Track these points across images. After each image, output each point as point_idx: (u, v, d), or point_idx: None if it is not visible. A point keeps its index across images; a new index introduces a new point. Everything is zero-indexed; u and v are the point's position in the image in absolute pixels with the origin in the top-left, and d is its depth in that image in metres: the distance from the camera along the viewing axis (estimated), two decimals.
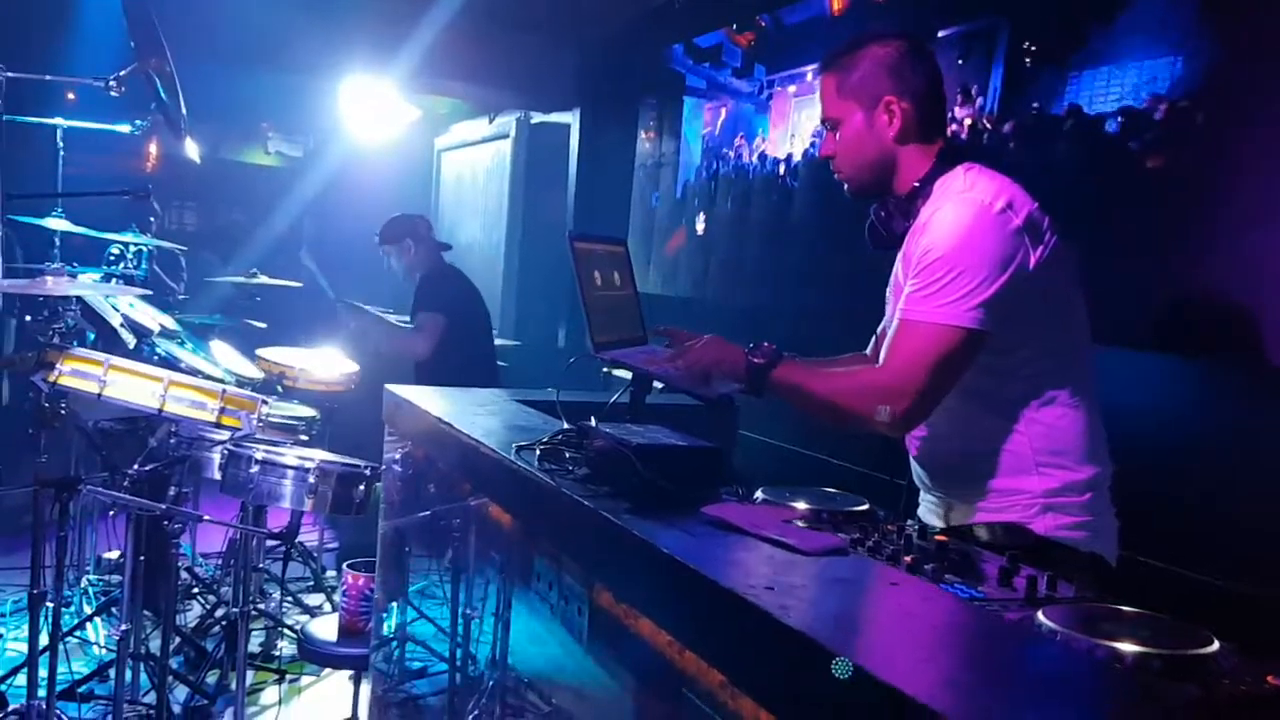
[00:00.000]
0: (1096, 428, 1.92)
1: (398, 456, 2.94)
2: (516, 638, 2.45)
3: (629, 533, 1.35)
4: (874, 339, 2.27)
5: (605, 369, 4.74)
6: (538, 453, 1.83)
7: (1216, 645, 1.14)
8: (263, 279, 5.29)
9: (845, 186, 2.07)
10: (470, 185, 8.28)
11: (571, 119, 6.66)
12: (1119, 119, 3.00)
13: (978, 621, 1.20)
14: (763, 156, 5.61)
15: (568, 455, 1.78)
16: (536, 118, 7.31)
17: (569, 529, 1.60)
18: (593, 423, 1.78)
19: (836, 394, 1.88)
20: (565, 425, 1.95)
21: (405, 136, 8.04)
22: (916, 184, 1.96)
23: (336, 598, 4.56)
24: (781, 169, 5.45)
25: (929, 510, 2.09)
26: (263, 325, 5.05)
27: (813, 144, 5.21)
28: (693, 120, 6.28)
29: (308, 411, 4.36)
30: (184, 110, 3.45)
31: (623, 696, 1.45)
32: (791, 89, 5.44)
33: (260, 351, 4.62)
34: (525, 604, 2.18)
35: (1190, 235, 2.73)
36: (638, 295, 2.51)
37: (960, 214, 1.82)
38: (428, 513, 2.78)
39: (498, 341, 5.41)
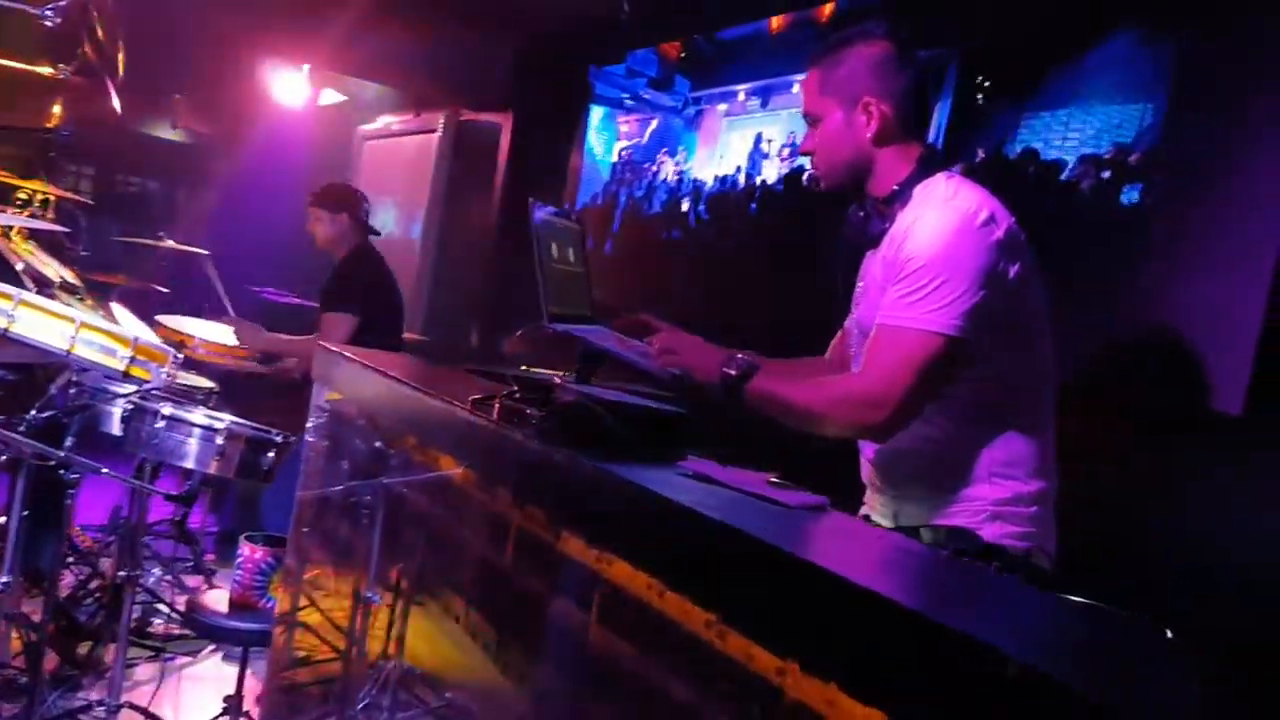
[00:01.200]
0: (1048, 444, 1.95)
1: (312, 425, 2.84)
2: (416, 627, 2.37)
3: (613, 476, 1.32)
4: (831, 346, 2.29)
5: (524, 367, 4.68)
6: (496, 407, 1.78)
7: (1169, 635, 1.16)
8: (169, 244, 5.09)
9: (821, 183, 2.08)
10: (390, 176, 8.11)
11: (503, 121, 6.61)
12: (1078, 166, 2.92)
13: (965, 570, 1.21)
14: (680, 176, 5.37)
15: (529, 411, 1.73)
16: (466, 115, 7.23)
17: (534, 479, 1.56)
18: (557, 380, 1.75)
19: (817, 403, 1.88)
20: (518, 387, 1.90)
21: (327, 121, 7.87)
22: (895, 187, 1.96)
23: (216, 580, 4.37)
24: (684, 205, 5.20)
25: (876, 511, 2.10)
26: (166, 290, 4.84)
27: (737, 169, 5.08)
28: (602, 131, 6.01)
29: (206, 383, 4.19)
30: (121, 53, 3.30)
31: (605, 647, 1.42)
32: (722, 107, 5.14)
33: (160, 318, 4.43)
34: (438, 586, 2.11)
35: (1141, 287, 2.72)
36: (589, 275, 2.48)
37: (945, 222, 1.82)
38: (340, 487, 2.70)
39: (405, 335, 5.29)
